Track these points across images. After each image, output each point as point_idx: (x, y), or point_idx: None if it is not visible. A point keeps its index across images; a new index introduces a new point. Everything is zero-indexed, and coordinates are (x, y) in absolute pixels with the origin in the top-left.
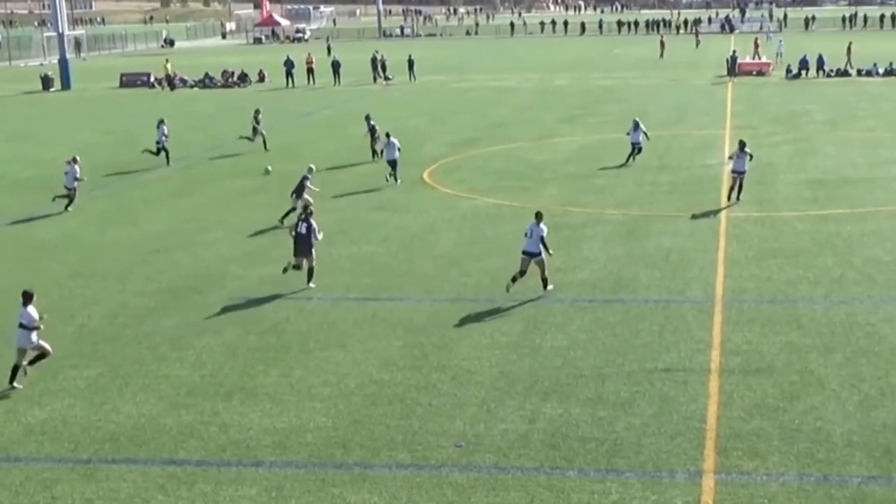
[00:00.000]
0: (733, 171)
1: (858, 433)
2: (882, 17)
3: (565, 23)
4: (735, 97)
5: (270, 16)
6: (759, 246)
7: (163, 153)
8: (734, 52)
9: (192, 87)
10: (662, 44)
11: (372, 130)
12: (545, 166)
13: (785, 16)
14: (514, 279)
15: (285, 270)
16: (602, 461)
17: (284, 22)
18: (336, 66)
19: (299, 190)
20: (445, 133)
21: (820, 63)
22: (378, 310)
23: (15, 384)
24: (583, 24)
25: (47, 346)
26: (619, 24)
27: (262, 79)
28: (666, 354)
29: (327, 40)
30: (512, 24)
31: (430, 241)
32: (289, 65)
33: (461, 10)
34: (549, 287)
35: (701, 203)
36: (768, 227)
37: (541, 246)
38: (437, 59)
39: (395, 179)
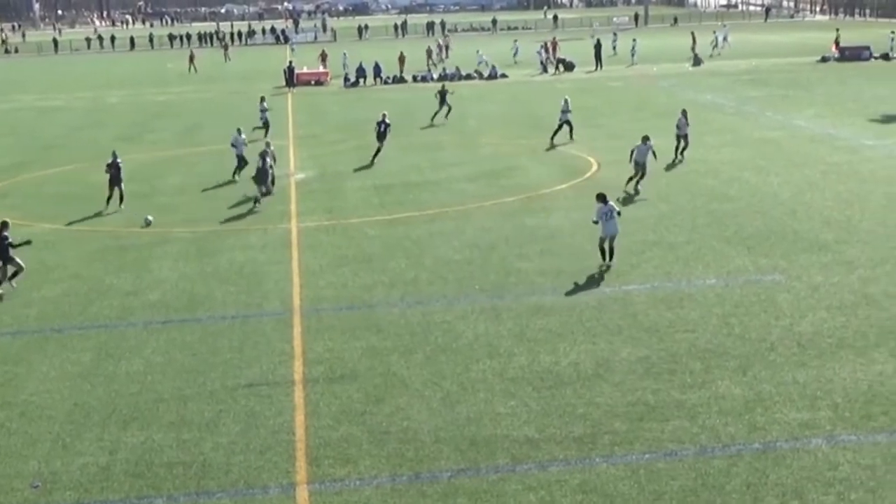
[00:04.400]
0: (636, 163)
1: (445, 429)
2: (430, 24)
3: (112, 38)
4: (296, 107)
5: None
6: (332, 254)
7: None
8: (291, 62)
9: None
10: (190, 57)
11: None
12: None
13: (329, 28)
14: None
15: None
16: (191, 484)
17: None
18: None
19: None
20: None
21: (377, 70)
22: None
23: None
24: (132, 39)
25: None
26: (171, 37)
27: None
28: (248, 370)
29: None
30: (55, 41)
31: None
32: None
33: None
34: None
35: (271, 215)
36: (340, 234)
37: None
38: None
39: None
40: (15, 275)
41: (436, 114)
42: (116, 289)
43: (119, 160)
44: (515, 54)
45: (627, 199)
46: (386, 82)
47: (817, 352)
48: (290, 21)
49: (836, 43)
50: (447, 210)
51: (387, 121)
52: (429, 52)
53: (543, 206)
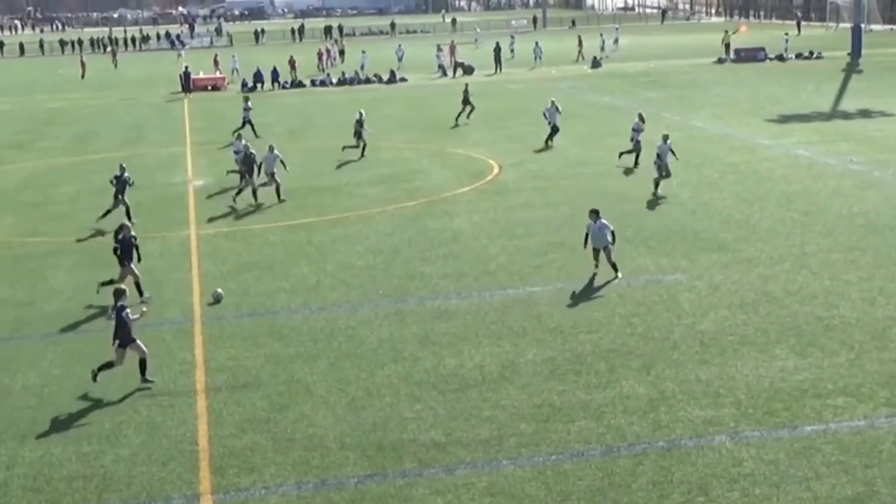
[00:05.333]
0: (658, 165)
1: (350, 435)
2: (328, 27)
3: (1, 43)
4: (193, 113)
5: None
6: (233, 260)
7: None
8: (186, 67)
9: None
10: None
11: None
12: None
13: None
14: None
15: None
16: (92, 498)
17: None
18: None
19: None
20: None
21: (274, 75)
22: None
23: None
24: (21, 45)
25: None
26: (63, 43)
27: None
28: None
29: None
30: None
31: None
32: None
33: None
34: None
35: (169, 222)
36: (240, 240)
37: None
38: None
39: None
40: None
41: (459, 114)
42: (10, 300)
43: (126, 174)
44: (401, 59)
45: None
46: (284, 87)
47: (719, 349)
48: (186, 26)
49: (726, 44)
50: (349, 215)
51: (362, 119)
52: (319, 55)
53: (445, 209)
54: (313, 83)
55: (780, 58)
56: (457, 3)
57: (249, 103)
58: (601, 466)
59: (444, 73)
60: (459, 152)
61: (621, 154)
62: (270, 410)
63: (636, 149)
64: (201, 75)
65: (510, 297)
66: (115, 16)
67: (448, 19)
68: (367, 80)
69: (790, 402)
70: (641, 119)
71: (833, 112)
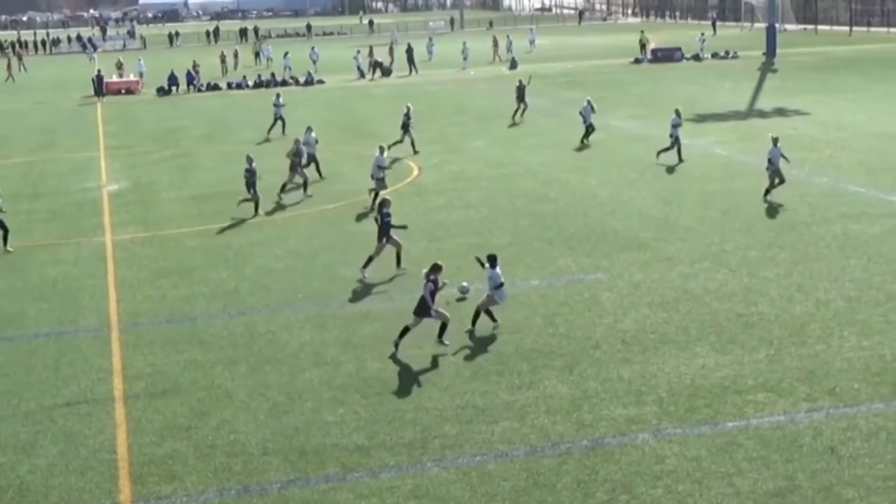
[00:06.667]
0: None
1: (272, 440)
2: (243, 30)
3: None
4: (106, 117)
5: None
6: (150, 266)
7: None
8: (99, 70)
9: None
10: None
11: None
12: None
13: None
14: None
15: None
16: None
17: None
18: None
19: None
20: None
21: (189, 78)
22: None
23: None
24: None
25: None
26: None
27: None
28: (65, 388)
29: None
30: None
31: None
32: None
33: None
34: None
35: (84, 228)
36: (157, 246)
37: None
38: None
39: None
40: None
41: (515, 112)
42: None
43: (253, 165)
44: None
45: (772, 210)
46: (200, 90)
47: (641, 348)
48: (98, 28)
49: (642, 44)
50: (268, 218)
51: (409, 113)
52: (223, 58)
53: (365, 212)
54: (229, 86)
55: (697, 58)
56: (374, 4)
57: (281, 99)
58: (525, 466)
59: (362, 76)
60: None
61: (659, 153)
62: (191, 417)
63: (675, 144)
64: (114, 79)
65: None
66: (24, 18)
67: (365, 21)
68: (284, 83)
69: (711, 398)
70: (678, 114)
71: (749, 111)
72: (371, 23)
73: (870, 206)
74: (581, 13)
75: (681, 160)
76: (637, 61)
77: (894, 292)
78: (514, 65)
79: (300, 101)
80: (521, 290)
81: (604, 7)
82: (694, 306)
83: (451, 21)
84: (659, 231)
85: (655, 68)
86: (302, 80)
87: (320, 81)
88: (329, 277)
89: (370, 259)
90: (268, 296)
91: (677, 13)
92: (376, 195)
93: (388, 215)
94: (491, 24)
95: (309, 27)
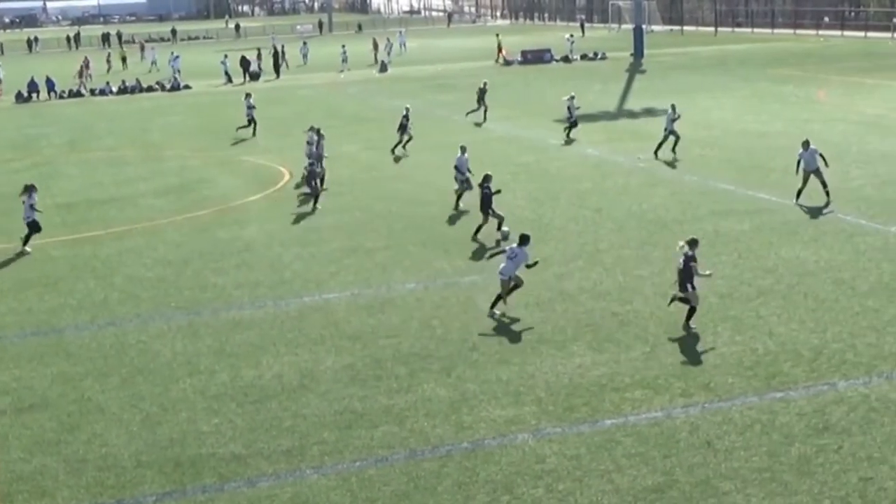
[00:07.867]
0: (805, 170)
1: (146, 452)
2: (105, 35)
3: None
4: None
5: None
6: (13, 277)
7: None
8: None
9: None
10: None
11: None
12: None
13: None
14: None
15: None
16: None
17: None
18: None
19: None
20: None
21: (50, 85)
22: None
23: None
24: None
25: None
26: None
27: None
28: None
29: None
30: None
31: None
32: None
33: None
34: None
35: None
36: (19, 256)
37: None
38: None
39: None
40: (499, 226)
41: (473, 111)
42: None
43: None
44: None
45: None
46: (61, 97)
47: (518, 349)
48: None
49: (499, 48)
50: (136, 227)
51: (408, 114)
52: (86, 63)
53: (236, 218)
54: (92, 92)
55: (566, 59)
56: (240, 8)
57: (252, 100)
58: (405, 470)
59: (230, 80)
60: (248, 160)
61: (657, 150)
62: (60, 431)
63: (674, 138)
64: None
65: (307, 305)
66: None
67: (231, 25)
68: (150, 89)
69: (589, 397)
70: (674, 109)
71: (619, 111)
72: (237, 27)
73: (738, 203)
74: (450, 16)
75: (675, 156)
76: (507, 63)
77: (765, 288)
78: (384, 68)
79: (166, 107)
80: (398, 294)
81: (472, 9)
82: (570, 306)
83: (320, 24)
84: (533, 231)
85: (525, 70)
86: (168, 85)
87: (187, 86)
88: (200, 285)
89: (479, 228)
90: (138, 305)
91: (546, 15)
92: (459, 196)
93: (489, 189)
94: (360, 27)
95: (174, 32)
